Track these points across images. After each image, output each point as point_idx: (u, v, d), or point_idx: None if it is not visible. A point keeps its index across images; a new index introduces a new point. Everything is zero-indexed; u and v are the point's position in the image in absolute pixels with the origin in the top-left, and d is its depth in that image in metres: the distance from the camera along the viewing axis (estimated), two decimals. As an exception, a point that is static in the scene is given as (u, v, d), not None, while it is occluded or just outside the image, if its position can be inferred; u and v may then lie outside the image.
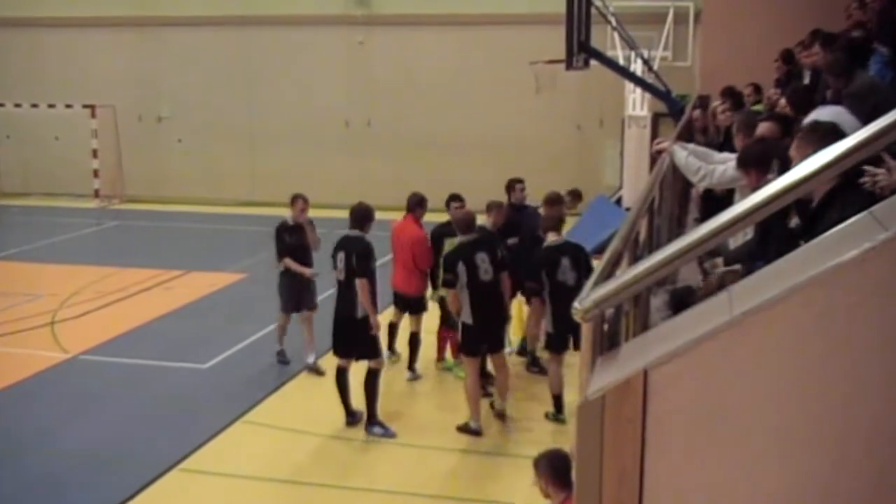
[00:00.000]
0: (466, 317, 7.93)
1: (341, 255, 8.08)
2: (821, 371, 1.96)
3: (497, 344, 8.16)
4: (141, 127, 22.99)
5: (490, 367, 8.52)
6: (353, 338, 8.07)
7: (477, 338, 7.97)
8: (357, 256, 7.98)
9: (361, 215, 8.25)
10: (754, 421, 2.01)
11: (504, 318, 8.39)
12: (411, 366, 9.59)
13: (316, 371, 9.64)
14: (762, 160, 4.52)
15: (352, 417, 8.34)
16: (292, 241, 9.70)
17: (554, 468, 4.62)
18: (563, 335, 8.09)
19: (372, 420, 8.20)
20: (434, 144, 21.32)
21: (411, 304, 9.48)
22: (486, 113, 20.95)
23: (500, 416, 8.40)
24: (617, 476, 2.10)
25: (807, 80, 7.62)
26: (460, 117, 21.14)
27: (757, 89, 9.53)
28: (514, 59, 19.31)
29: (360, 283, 7.94)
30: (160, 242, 17.91)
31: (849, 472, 1.97)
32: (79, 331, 11.38)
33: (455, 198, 9.39)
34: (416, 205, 9.35)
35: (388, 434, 8.13)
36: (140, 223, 20.04)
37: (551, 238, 8.31)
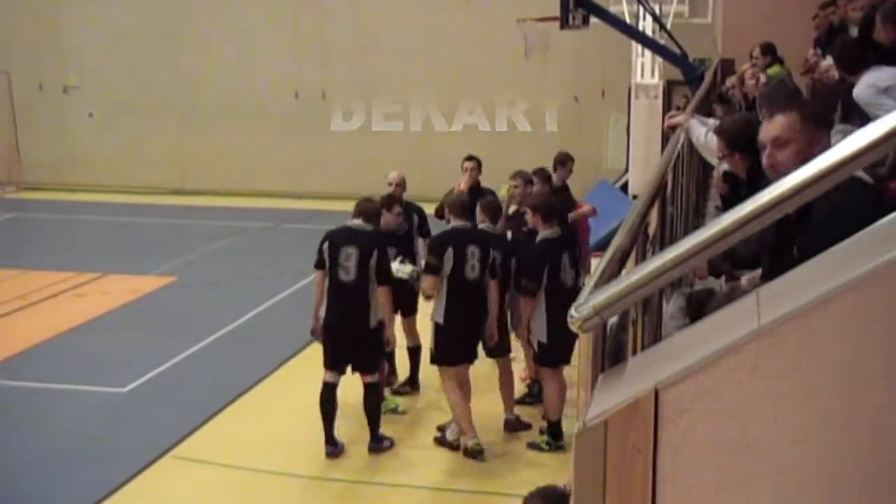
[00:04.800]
0: (439, 316, 8.16)
1: (351, 252, 8.10)
2: (871, 389, 1.96)
3: (472, 352, 8.41)
4: (43, 98, 22.79)
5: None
6: (362, 350, 8.24)
7: (450, 343, 8.15)
8: (378, 257, 8.12)
9: (373, 211, 8.42)
10: (789, 449, 2.01)
11: (481, 326, 8.48)
12: None
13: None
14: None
15: (333, 447, 8.36)
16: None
17: (548, 510, 4.62)
18: (560, 345, 8.21)
19: (377, 436, 8.44)
20: (403, 119, 21.31)
21: None
22: (466, 82, 20.96)
23: (515, 425, 8.71)
24: (623, 518, 2.09)
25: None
26: (433, 87, 21.14)
27: (767, 50, 9.50)
28: (498, 16, 19.34)
29: (382, 291, 8.12)
30: (69, 239, 17.76)
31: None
32: (-32, 348, 11.26)
33: (470, 158, 10.31)
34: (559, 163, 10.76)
35: (392, 444, 8.49)
36: (43, 216, 19.86)
37: (546, 231, 8.39)
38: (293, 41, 21.81)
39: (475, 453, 8.19)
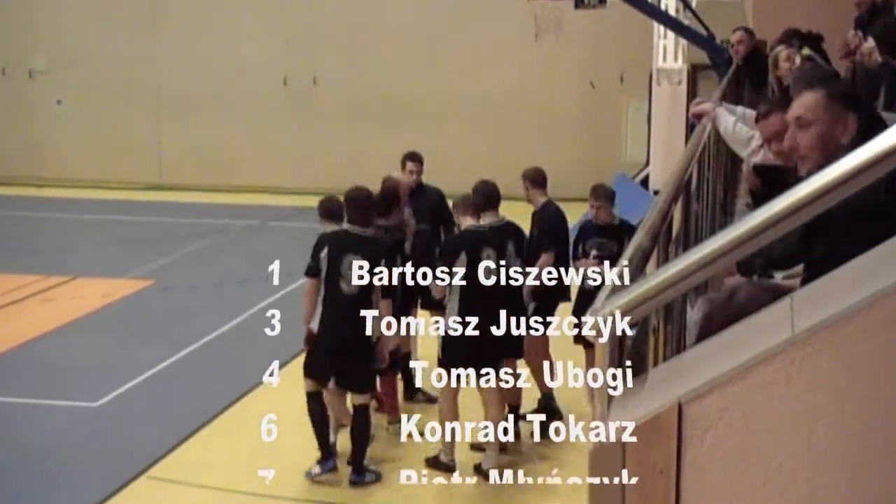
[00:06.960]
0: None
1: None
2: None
3: (489, 360, 8.27)
4: (6, 84, 22.81)
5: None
6: (353, 365, 8.20)
7: (461, 348, 8.16)
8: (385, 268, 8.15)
9: (359, 203, 8.35)
10: (825, 467, 2.01)
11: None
12: None
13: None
14: None
15: (325, 462, 8.35)
16: None
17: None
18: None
19: (361, 468, 8.31)
20: (401, 108, 21.31)
21: None
22: (470, 66, 20.96)
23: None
24: (644, 544, 2.10)
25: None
26: (435, 72, 21.16)
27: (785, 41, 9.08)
28: (506, -7, 19.34)
29: (384, 304, 8.17)
30: (36, 239, 17.76)
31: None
32: (-76, 358, 11.28)
33: (412, 157, 9.97)
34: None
35: (378, 478, 8.36)
36: (6, 213, 19.84)
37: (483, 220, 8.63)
38: (282, 21, 21.82)
39: (446, 467, 8.28)
